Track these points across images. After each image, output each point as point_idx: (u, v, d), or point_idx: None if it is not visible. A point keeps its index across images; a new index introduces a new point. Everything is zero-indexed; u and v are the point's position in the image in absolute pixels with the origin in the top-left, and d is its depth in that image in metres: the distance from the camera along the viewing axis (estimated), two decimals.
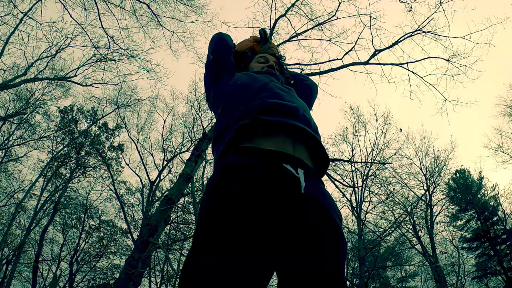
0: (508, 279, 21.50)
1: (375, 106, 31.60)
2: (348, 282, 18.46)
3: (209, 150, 16.81)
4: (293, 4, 11.30)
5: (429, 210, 20.62)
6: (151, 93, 34.08)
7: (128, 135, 18.85)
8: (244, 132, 1.30)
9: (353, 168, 16.56)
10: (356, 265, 19.40)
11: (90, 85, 15.11)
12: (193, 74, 49.19)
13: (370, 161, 16.06)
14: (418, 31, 10.96)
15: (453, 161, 33.55)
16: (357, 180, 17.11)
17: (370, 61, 10.95)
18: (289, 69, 2.12)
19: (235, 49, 2.07)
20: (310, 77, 2.18)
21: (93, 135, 20.47)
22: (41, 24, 12.08)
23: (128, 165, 20.41)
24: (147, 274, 18.18)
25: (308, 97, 1.95)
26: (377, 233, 16.38)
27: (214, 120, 14.80)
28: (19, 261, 18.96)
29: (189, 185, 12.32)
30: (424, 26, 10.85)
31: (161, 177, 18.40)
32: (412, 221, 19.81)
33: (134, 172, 19.26)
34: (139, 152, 17.85)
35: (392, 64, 11.16)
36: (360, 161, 16.22)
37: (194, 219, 16.39)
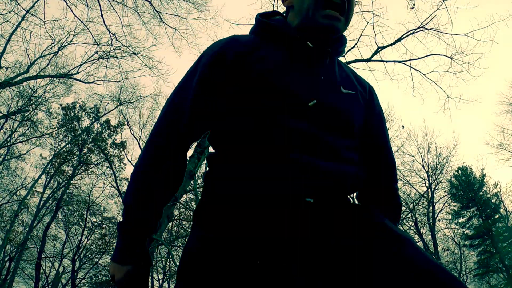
0: (510, 276, 21.50)
1: None
2: None
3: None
4: None
5: (431, 207, 20.64)
6: (153, 90, 34.14)
7: (131, 132, 18.92)
8: None
9: None
10: None
11: (92, 82, 15.13)
12: None
13: None
14: (421, 28, 10.96)
15: (455, 158, 33.58)
16: None
17: (372, 58, 10.94)
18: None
19: None
20: None
21: (95, 132, 20.51)
22: (44, 22, 12.11)
23: (130, 162, 20.42)
24: None
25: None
26: None
27: None
28: (22, 258, 19.03)
29: (192, 182, 12.33)
30: (427, 23, 10.86)
31: None
32: (414, 218, 19.83)
33: None
34: (141, 149, 17.86)
35: (394, 61, 11.17)
36: None
37: None
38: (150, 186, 1.05)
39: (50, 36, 15.08)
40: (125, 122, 19.36)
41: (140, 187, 1.05)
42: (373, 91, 1.23)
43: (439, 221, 21.95)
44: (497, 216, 24.14)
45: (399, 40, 11.02)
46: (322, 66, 1.09)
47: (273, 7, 13.38)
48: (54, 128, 19.50)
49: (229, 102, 1.04)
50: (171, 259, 17.08)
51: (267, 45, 1.09)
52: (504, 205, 23.98)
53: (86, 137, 20.37)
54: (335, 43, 1.12)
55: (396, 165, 1.28)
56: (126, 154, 20.83)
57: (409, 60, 11.01)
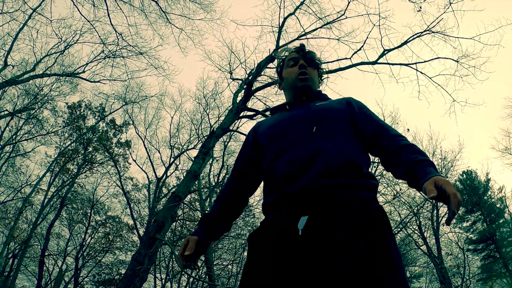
0: None
1: (383, 106, 31.57)
2: None
3: (217, 148, 16.93)
4: (302, 3, 11.29)
5: (435, 211, 20.54)
6: (159, 90, 34.21)
7: (136, 131, 18.91)
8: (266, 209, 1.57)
9: None
10: None
11: (98, 82, 15.15)
12: (201, 71, 49.19)
13: (377, 161, 16.02)
14: (427, 31, 10.92)
15: (460, 162, 33.42)
16: None
17: (378, 61, 10.92)
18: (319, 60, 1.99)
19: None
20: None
21: (100, 131, 20.58)
22: (51, 21, 12.14)
23: (135, 161, 20.56)
24: (152, 270, 18.27)
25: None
26: None
27: (222, 118, 14.91)
28: (25, 255, 19.10)
29: (196, 182, 12.35)
30: (433, 26, 10.81)
31: (168, 174, 18.43)
32: (418, 222, 19.77)
33: (141, 168, 19.40)
34: (146, 148, 17.89)
35: (400, 64, 11.13)
36: None
37: (200, 216, 16.39)
38: (218, 205, 1.74)
39: (56, 35, 15.10)
40: (131, 122, 19.42)
41: (214, 204, 1.76)
42: (350, 100, 1.78)
43: (443, 225, 21.81)
44: (501, 220, 24.02)
45: (405, 43, 10.99)
46: (301, 108, 1.74)
47: (280, 8, 13.41)
48: (60, 126, 19.60)
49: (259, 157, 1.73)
50: (174, 259, 17.09)
51: (273, 115, 1.86)
52: (508, 210, 23.86)
53: (91, 136, 20.46)
54: (312, 95, 1.81)
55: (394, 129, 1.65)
56: (131, 154, 20.93)
57: (415, 63, 10.97)
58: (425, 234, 19.86)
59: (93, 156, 20.77)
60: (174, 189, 12.89)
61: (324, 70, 2.00)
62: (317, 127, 1.57)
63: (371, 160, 1.64)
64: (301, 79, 1.79)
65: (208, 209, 16.35)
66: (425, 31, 10.92)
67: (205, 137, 10.66)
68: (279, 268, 1.27)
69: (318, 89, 1.94)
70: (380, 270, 1.17)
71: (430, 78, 11.03)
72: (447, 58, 11.16)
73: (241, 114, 9.91)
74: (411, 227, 19.91)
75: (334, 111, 1.66)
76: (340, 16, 11.08)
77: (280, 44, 10.91)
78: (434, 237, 20.09)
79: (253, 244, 1.46)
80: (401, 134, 1.61)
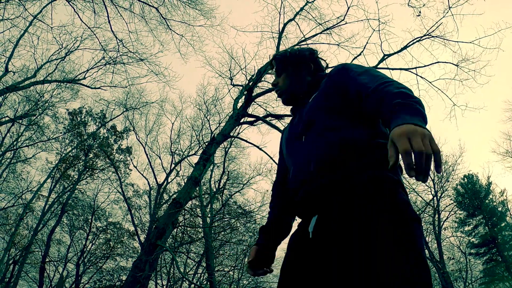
0: None
1: None
2: None
3: (218, 154, 16.95)
4: (301, 9, 11.31)
5: (436, 215, 20.51)
6: (160, 96, 34.26)
7: (136, 137, 18.95)
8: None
9: None
10: None
11: (99, 88, 15.18)
12: (201, 78, 49.28)
13: None
14: (427, 36, 10.93)
15: (461, 166, 33.35)
16: None
17: (379, 66, 10.93)
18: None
19: None
20: None
21: (101, 137, 20.58)
22: (52, 28, 12.18)
23: (136, 167, 20.50)
24: (153, 277, 18.21)
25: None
26: None
27: (223, 124, 14.90)
28: (26, 261, 19.07)
29: (197, 188, 12.33)
30: (433, 30, 10.83)
31: (169, 180, 18.43)
32: None
33: (142, 174, 19.38)
34: (147, 154, 17.92)
35: (401, 69, 11.15)
36: None
37: (201, 222, 16.38)
38: (271, 216, 1.78)
39: (57, 41, 15.15)
40: (131, 128, 19.44)
41: (269, 213, 1.82)
42: (332, 72, 1.61)
43: (444, 230, 21.83)
44: (503, 224, 23.95)
45: (405, 47, 11.01)
46: (299, 112, 1.69)
47: (280, 14, 13.44)
48: (61, 132, 19.62)
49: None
50: (175, 265, 17.06)
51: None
52: (510, 213, 23.80)
53: (92, 142, 20.46)
54: (303, 96, 1.74)
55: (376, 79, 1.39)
56: (131, 160, 20.91)
57: (415, 67, 10.99)
58: (426, 238, 19.80)
59: (94, 163, 20.76)
60: (175, 196, 12.88)
61: (300, 46, 1.97)
62: (306, 135, 1.52)
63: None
64: (281, 99, 1.83)
65: (209, 215, 16.34)
66: (424, 35, 10.94)
67: (206, 143, 10.65)
68: (296, 271, 1.36)
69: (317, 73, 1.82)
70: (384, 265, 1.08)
71: (430, 82, 11.04)
72: (447, 62, 11.18)
73: (242, 120, 9.92)
74: None
75: (322, 98, 1.55)
76: (340, 22, 11.11)
77: (280, 50, 10.92)
78: (436, 242, 20.06)
79: (287, 247, 1.54)
80: (381, 81, 1.35)
